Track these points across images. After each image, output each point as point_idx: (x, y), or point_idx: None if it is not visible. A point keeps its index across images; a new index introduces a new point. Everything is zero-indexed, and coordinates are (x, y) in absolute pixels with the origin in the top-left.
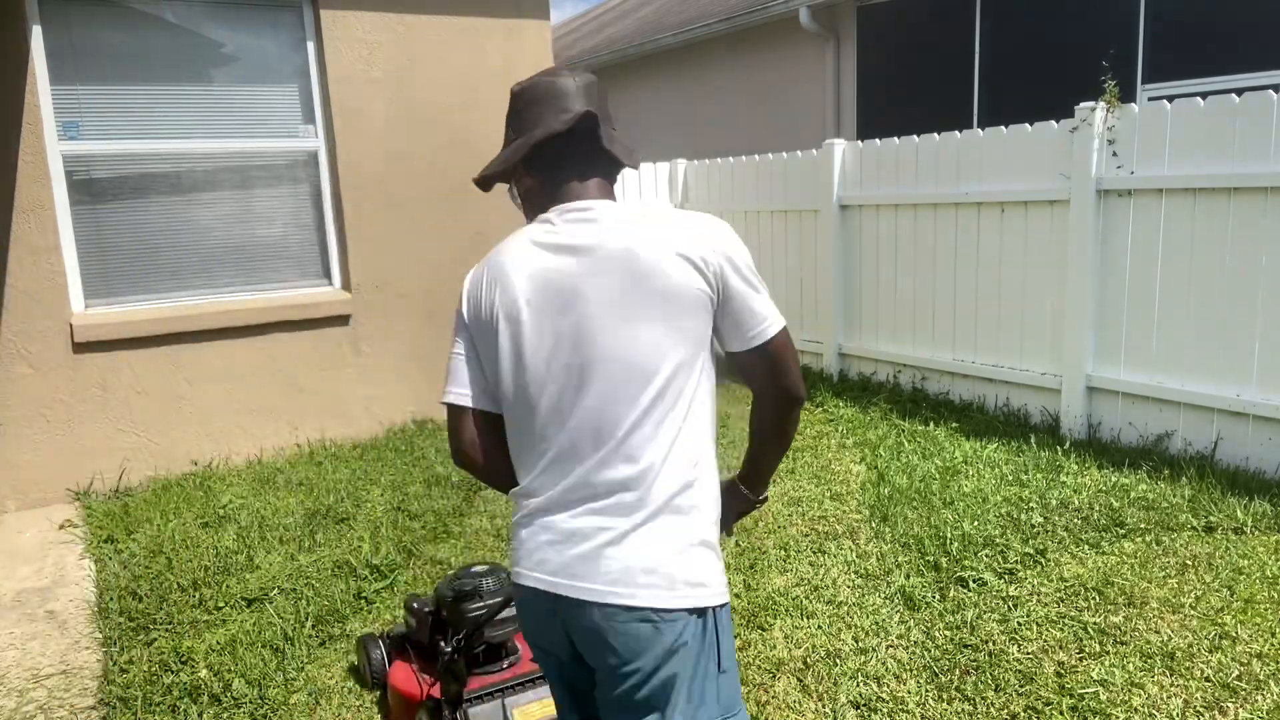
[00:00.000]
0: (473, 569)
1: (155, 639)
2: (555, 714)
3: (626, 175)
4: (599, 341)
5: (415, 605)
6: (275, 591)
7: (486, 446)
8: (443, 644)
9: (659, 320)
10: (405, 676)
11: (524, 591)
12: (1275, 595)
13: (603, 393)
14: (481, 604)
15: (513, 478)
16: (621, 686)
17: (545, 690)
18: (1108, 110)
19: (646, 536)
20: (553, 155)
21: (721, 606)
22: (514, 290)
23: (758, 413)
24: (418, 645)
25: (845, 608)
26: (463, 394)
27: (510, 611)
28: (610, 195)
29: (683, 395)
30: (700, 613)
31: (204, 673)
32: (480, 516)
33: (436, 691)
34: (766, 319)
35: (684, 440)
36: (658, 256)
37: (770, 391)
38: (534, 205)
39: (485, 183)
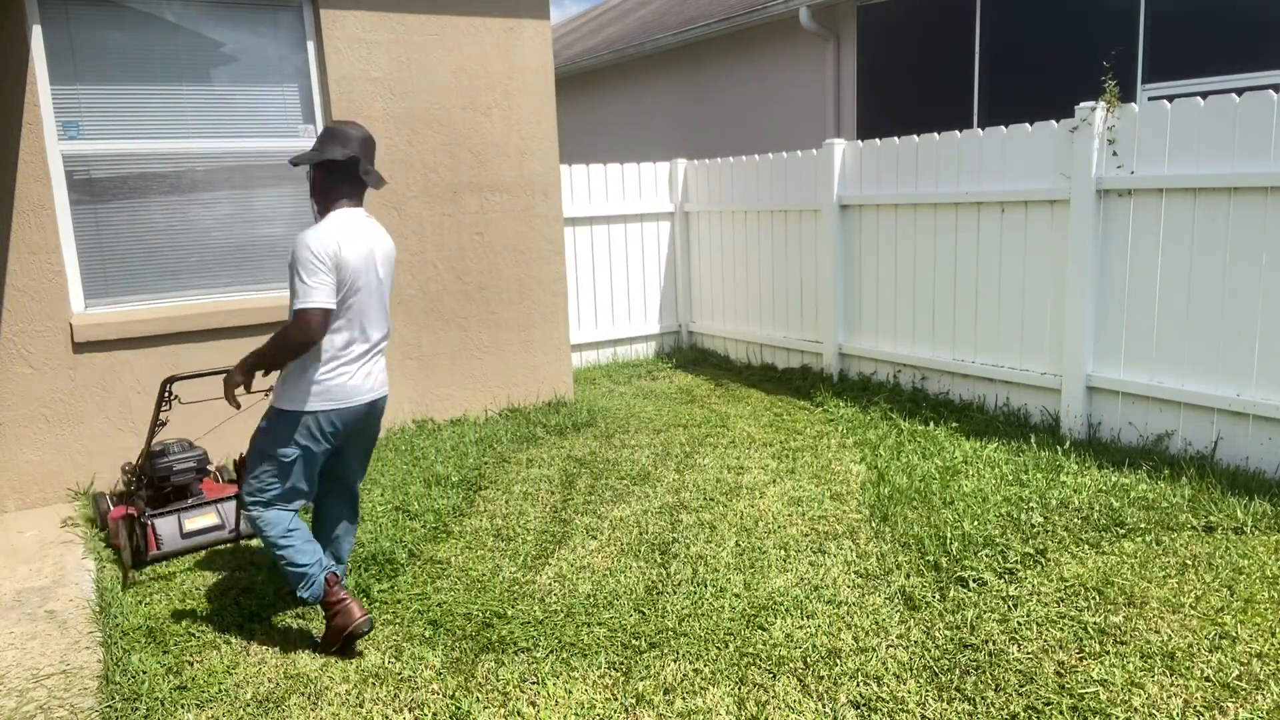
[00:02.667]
0: (166, 441)
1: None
2: (214, 521)
3: (626, 175)
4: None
5: (125, 467)
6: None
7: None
8: (131, 481)
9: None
10: (118, 510)
11: (356, 407)
12: (1275, 595)
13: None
14: (166, 459)
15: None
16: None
17: (210, 510)
18: (1108, 110)
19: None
20: (339, 171)
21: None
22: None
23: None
24: (128, 496)
25: (845, 608)
26: (329, 302)
27: (190, 464)
28: (359, 203)
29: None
30: (384, 399)
31: (201, 672)
32: (480, 516)
33: (134, 512)
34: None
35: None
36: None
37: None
38: (317, 192)
39: (295, 162)
